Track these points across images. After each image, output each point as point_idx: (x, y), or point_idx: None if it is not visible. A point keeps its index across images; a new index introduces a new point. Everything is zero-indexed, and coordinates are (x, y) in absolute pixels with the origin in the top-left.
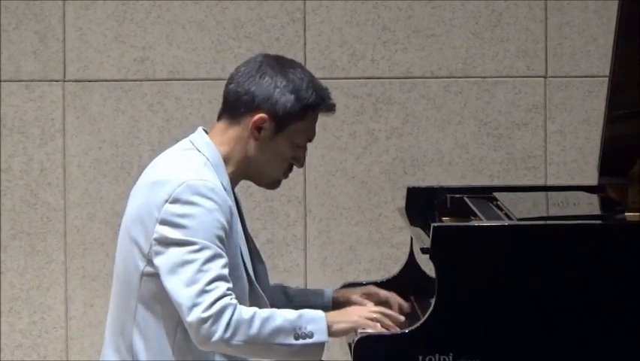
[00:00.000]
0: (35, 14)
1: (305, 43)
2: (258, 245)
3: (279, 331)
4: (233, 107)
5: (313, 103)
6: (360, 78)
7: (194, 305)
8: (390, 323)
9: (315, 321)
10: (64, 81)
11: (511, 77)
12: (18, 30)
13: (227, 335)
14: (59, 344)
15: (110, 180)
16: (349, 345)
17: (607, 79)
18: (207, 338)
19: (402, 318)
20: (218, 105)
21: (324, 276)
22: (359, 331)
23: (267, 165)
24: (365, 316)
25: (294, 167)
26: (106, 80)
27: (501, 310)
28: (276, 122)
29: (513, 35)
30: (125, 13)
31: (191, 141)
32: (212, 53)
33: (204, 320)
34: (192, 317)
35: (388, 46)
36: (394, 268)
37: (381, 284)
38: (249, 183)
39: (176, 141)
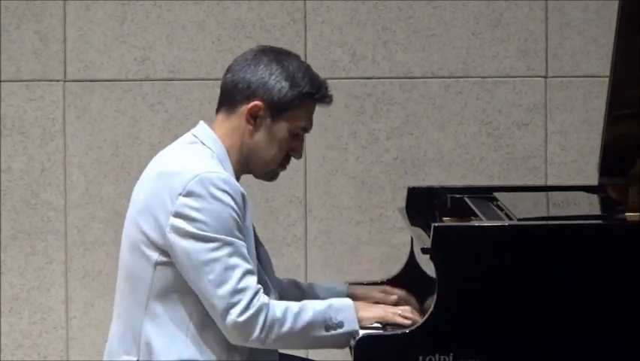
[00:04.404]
0: (35, 14)
1: (305, 44)
2: None
3: (310, 324)
4: (230, 96)
5: (308, 91)
6: (360, 78)
7: (230, 307)
8: (410, 323)
9: (344, 310)
10: (65, 81)
11: (511, 77)
12: (18, 30)
13: (263, 335)
14: (60, 345)
15: (110, 180)
16: (350, 347)
17: (607, 79)
18: (244, 339)
19: (419, 320)
20: None
21: (324, 276)
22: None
23: (263, 153)
24: (391, 311)
25: (293, 159)
26: (106, 80)
27: (501, 311)
28: (271, 109)
29: (513, 35)
30: (126, 13)
31: (194, 135)
32: (213, 53)
33: (241, 324)
34: (228, 321)
35: (389, 46)
36: (394, 268)
37: (381, 284)
38: (249, 183)
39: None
